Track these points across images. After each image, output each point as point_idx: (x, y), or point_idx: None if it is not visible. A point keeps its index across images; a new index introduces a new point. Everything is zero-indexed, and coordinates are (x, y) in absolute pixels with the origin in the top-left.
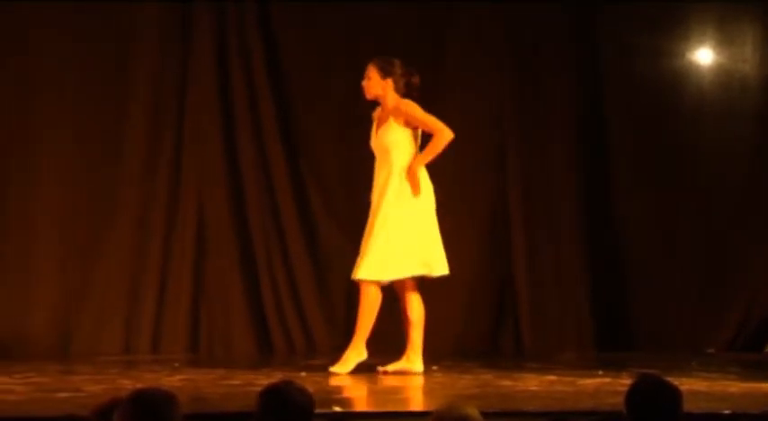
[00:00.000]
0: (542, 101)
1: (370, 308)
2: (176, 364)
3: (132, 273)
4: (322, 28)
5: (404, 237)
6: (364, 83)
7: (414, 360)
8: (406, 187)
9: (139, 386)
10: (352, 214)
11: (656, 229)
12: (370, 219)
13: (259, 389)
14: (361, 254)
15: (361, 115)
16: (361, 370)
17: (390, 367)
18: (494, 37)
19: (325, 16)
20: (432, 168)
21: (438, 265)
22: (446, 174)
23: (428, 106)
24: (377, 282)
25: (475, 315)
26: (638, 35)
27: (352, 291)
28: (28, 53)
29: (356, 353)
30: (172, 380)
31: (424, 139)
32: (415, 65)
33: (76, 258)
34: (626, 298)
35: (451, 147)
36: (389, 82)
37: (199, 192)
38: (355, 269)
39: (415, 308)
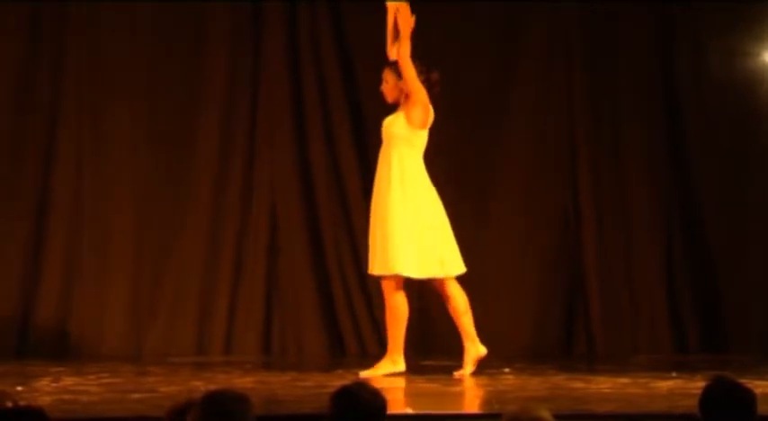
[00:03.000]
0: (615, 101)
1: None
2: (248, 366)
3: (205, 274)
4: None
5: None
6: (383, 87)
7: (396, 360)
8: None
9: (212, 387)
10: None
11: (734, 229)
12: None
13: (331, 390)
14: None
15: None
16: (424, 371)
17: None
18: (566, 35)
19: None
20: (504, 171)
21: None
22: (517, 177)
23: (497, 105)
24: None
25: (547, 317)
26: (714, 34)
27: (423, 292)
28: (100, 54)
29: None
30: (244, 382)
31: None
32: (487, 65)
33: (150, 259)
34: (700, 299)
35: (523, 148)
36: (404, 84)
37: (271, 194)
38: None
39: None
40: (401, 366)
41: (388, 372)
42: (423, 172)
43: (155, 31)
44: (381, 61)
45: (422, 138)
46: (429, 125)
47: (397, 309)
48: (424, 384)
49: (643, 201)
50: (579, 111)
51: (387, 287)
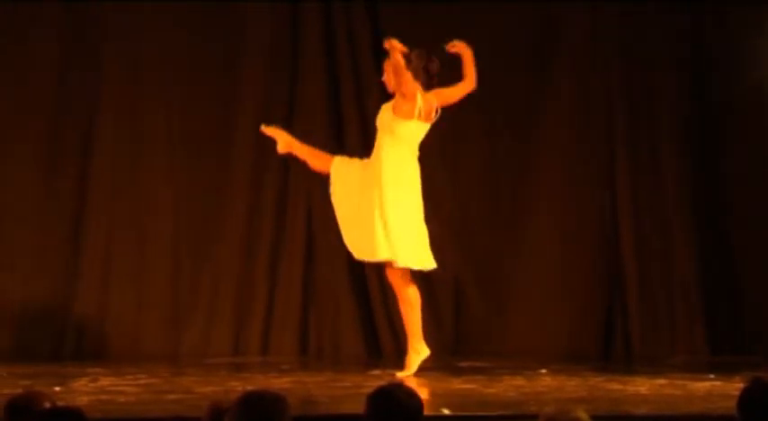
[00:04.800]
0: (652, 102)
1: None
2: (285, 367)
3: (242, 275)
4: (430, 28)
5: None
6: (384, 78)
7: (419, 348)
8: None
9: (249, 388)
10: (458, 215)
11: None
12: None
13: (368, 391)
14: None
15: (468, 117)
16: (460, 373)
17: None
18: (603, 36)
19: (433, 16)
20: (542, 172)
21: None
22: (555, 178)
23: (535, 106)
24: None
25: (584, 318)
26: (750, 36)
27: (459, 293)
28: (137, 55)
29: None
30: (281, 382)
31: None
32: (522, 69)
33: (187, 260)
34: (738, 300)
35: (560, 150)
36: (408, 74)
37: (308, 195)
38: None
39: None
40: (426, 351)
41: (419, 363)
42: (401, 162)
43: (192, 31)
44: None
45: (407, 128)
46: (426, 117)
47: (411, 298)
48: (460, 385)
49: (680, 203)
50: (617, 111)
51: (397, 277)
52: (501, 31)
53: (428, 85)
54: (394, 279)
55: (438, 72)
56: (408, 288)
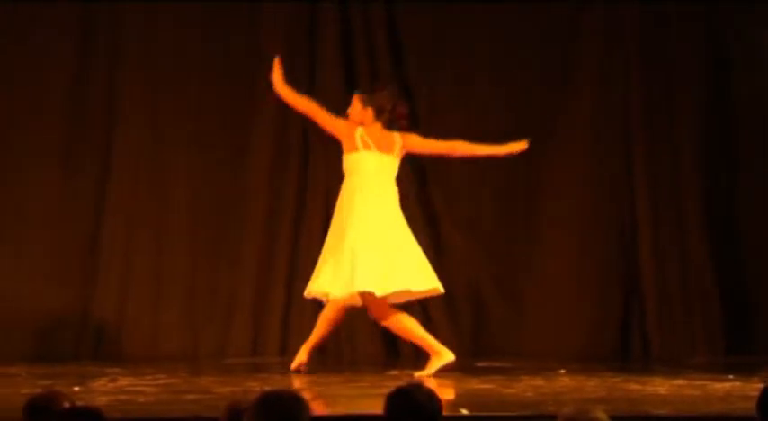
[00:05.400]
0: (671, 108)
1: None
2: (304, 367)
3: (260, 275)
4: (448, 29)
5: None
6: (348, 110)
7: (442, 353)
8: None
9: (267, 388)
10: (476, 219)
11: None
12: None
13: (386, 391)
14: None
15: (488, 120)
16: (478, 373)
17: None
18: (622, 44)
19: (451, 18)
20: (562, 174)
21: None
22: (574, 180)
23: (552, 116)
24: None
25: (602, 318)
26: None
27: (479, 295)
28: (154, 53)
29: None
30: (300, 382)
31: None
32: (541, 71)
33: (205, 261)
34: (756, 301)
35: (580, 154)
36: (370, 111)
37: (327, 194)
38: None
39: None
40: (449, 356)
41: (440, 365)
42: (344, 193)
43: (209, 30)
44: (435, 60)
45: (347, 161)
46: (382, 149)
47: (404, 320)
48: (479, 385)
49: (698, 205)
50: (636, 116)
51: (381, 306)
52: (518, 33)
53: (391, 124)
54: (373, 311)
55: (404, 115)
56: (391, 312)
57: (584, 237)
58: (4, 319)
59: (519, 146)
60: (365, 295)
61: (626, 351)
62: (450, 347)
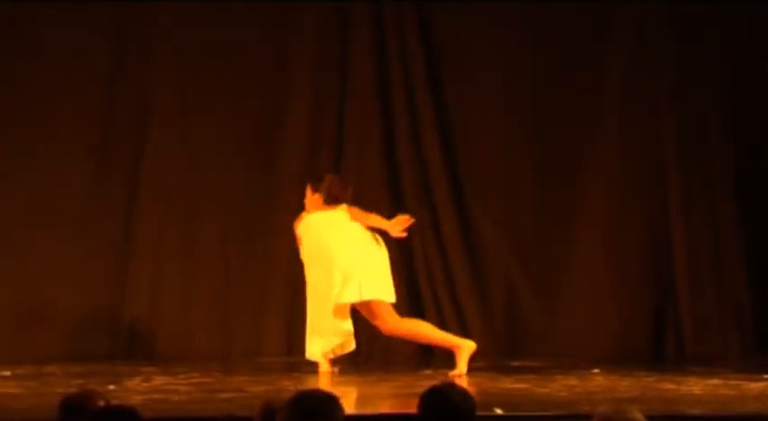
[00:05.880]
0: (701, 105)
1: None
2: (337, 366)
3: (293, 275)
4: (480, 30)
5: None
6: (305, 201)
7: (462, 345)
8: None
9: (301, 387)
10: (508, 213)
11: None
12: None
13: (420, 391)
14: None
15: (517, 116)
16: (512, 372)
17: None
18: (654, 41)
19: (484, 19)
20: (593, 170)
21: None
22: (606, 176)
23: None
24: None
25: (637, 318)
26: None
27: (513, 294)
28: (187, 54)
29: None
30: (333, 382)
31: None
32: (573, 75)
33: (238, 260)
34: None
35: (612, 149)
36: (318, 196)
37: (358, 193)
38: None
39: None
40: (468, 343)
41: (467, 357)
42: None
43: (241, 31)
44: (467, 60)
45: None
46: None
47: (421, 325)
48: (512, 385)
49: (731, 203)
50: (666, 112)
51: (391, 313)
52: (550, 33)
53: (335, 201)
54: (386, 321)
55: (343, 195)
56: (403, 323)
57: (618, 237)
58: (38, 319)
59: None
60: (377, 305)
61: (660, 350)
62: (484, 347)
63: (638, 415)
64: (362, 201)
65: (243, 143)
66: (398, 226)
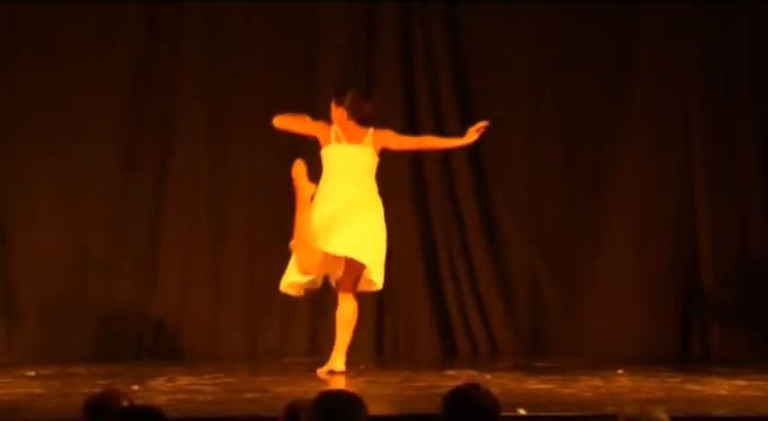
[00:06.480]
0: (729, 101)
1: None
2: (362, 367)
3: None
4: (507, 27)
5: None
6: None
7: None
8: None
9: (325, 388)
10: (534, 214)
11: None
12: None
13: (444, 391)
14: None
15: (543, 115)
16: (537, 372)
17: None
18: (682, 34)
19: (510, 16)
20: (620, 171)
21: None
22: (633, 177)
23: (612, 109)
24: None
25: (662, 319)
26: None
27: (536, 292)
28: (216, 53)
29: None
30: (357, 382)
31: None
32: (600, 69)
33: (264, 260)
34: None
35: (639, 149)
36: (342, 110)
37: (383, 194)
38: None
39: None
40: (340, 366)
41: (330, 369)
42: (320, 184)
43: (269, 30)
44: (494, 58)
45: (323, 155)
46: (353, 141)
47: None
48: (536, 385)
49: (757, 200)
50: (695, 110)
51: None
52: (578, 31)
53: (362, 121)
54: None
55: (369, 113)
56: (354, 303)
57: (644, 237)
58: (64, 319)
59: (478, 128)
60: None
61: (685, 351)
62: (509, 347)
63: (664, 416)
64: (390, 197)
65: (269, 144)
66: (471, 137)
